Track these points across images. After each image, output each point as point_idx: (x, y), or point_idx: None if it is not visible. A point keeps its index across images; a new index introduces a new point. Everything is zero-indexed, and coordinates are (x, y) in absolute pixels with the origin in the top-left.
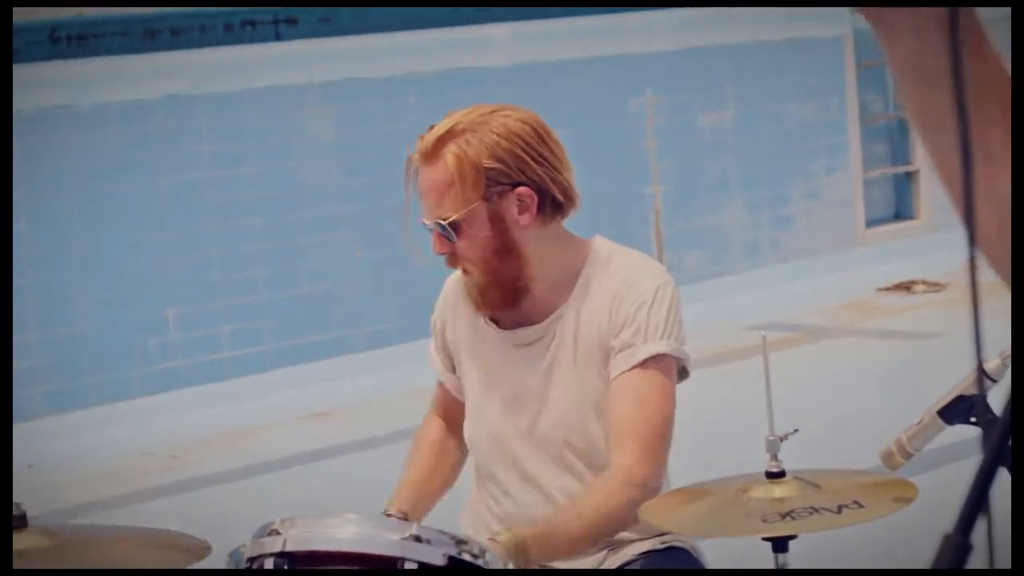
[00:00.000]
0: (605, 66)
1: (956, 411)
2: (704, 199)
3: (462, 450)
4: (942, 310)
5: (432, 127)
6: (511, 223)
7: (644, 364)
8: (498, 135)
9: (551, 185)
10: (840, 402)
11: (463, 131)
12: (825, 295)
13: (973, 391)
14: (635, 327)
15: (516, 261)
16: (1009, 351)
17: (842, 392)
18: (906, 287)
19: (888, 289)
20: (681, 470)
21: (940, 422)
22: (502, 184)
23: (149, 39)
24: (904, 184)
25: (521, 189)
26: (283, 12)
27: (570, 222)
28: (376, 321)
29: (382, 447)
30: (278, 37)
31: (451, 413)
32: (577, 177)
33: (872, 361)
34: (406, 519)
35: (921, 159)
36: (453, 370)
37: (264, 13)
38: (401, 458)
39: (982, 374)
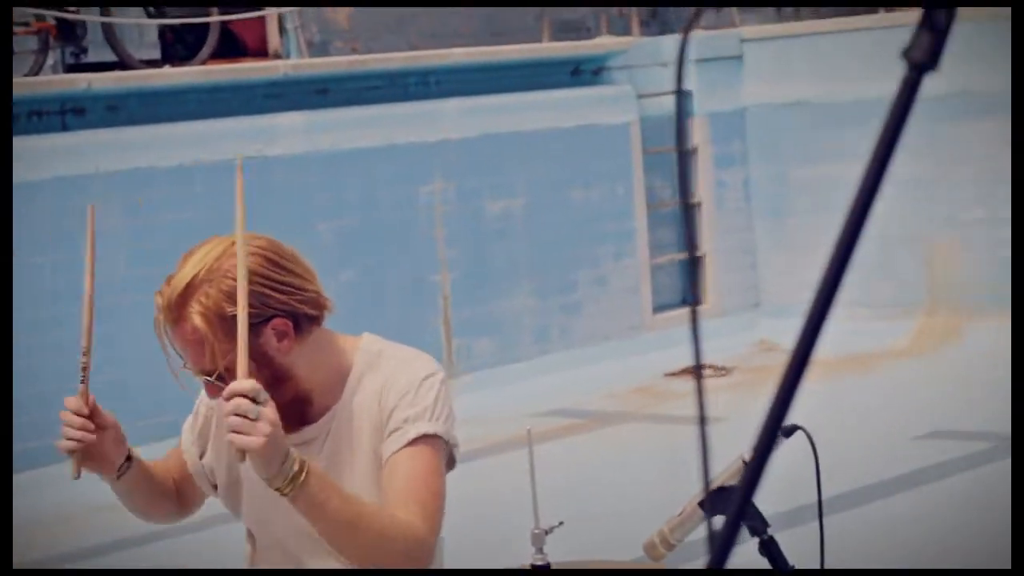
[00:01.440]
0: (395, 154)
1: (715, 503)
2: (493, 286)
3: (174, 504)
4: (728, 394)
5: (169, 279)
6: (274, 354)
7: (414, 443)
8: (235, 279)
9: (301, 306)
10: (628, 488)
11: (200, 283)
12: (613, 380)
13: (733, 482)
14: (403, 411)
15: (289, 384)
16: None
17: (630, 478)
18: (692, 372)
19: (675, 374)
20: (479, 558)
21: (701, 513)
22: (253, 324)
23: None
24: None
25: (274, 322)
26: (70, 102)
27: (360, 312)
28: (167, 411)
29: (171, 539)
30: (64, 127)
31: (180, 482)
32: (367, 265)
33: (659, 446)
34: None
35: (708, 244)
36: (200, 457)
37: (51, 103)
38: (194, 545)
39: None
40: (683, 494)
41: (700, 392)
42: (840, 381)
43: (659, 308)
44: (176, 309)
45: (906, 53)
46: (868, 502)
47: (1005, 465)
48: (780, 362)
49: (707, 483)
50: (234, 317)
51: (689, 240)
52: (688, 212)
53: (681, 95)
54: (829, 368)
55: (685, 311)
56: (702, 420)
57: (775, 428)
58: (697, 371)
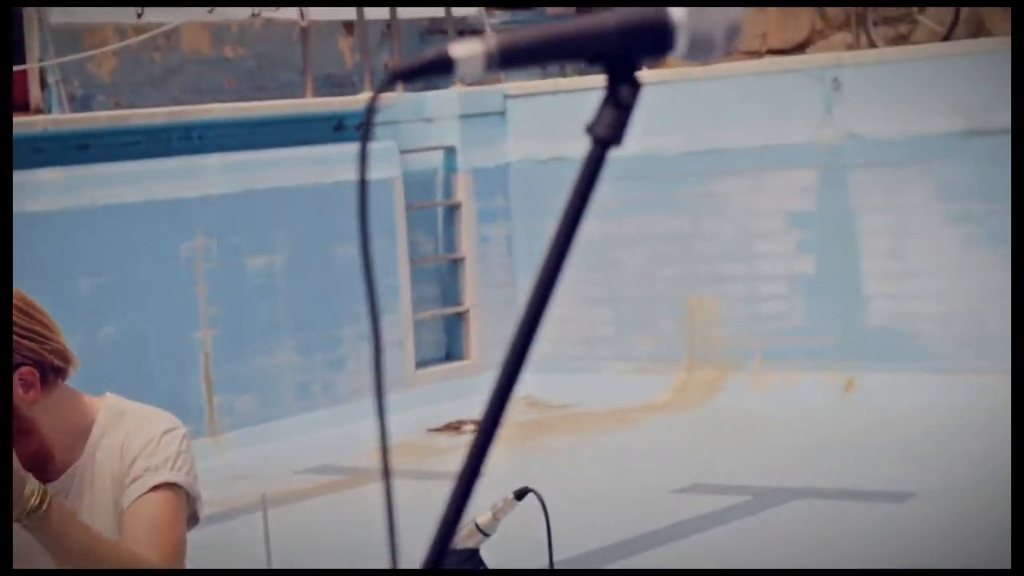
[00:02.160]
0: (156, 210)
1: (448, 564)
2: (255, 343)
3: None
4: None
5: None
6: (19, 404)
7: (155, 489)
8: None
9: (48, 356)
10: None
11: None
12: (377, 437)
13: (467, 544)
14: (144, 461)
15: (33, 437)
16: (500, 504)
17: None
18: (455, 427)
19: (438, 430)
20: None
21: None
22: None
23: None
24: (455, 325)
25: (21, 370)
26: None
27: (121, 368)
28: None
29: None
30: None
31: None
32: (127, 321)
33: (423, 502)
34: None
35: (471, 299)
36: None
37: None
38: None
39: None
40: None
41: (385, 463)
42: (601, 435)
43: (422, 363)
44: None
45: (590, 128)
46: (627, 556)
47: (764, 518)
48: (545, 417)
49: (393, 549)
50: None
51: (372, 314)
52: (368, 275)
53: (365, 157)
54: (590, 422)
55: (448, 366)
56: (388, 493)
57: (465, 492)
58: (382, 445)
